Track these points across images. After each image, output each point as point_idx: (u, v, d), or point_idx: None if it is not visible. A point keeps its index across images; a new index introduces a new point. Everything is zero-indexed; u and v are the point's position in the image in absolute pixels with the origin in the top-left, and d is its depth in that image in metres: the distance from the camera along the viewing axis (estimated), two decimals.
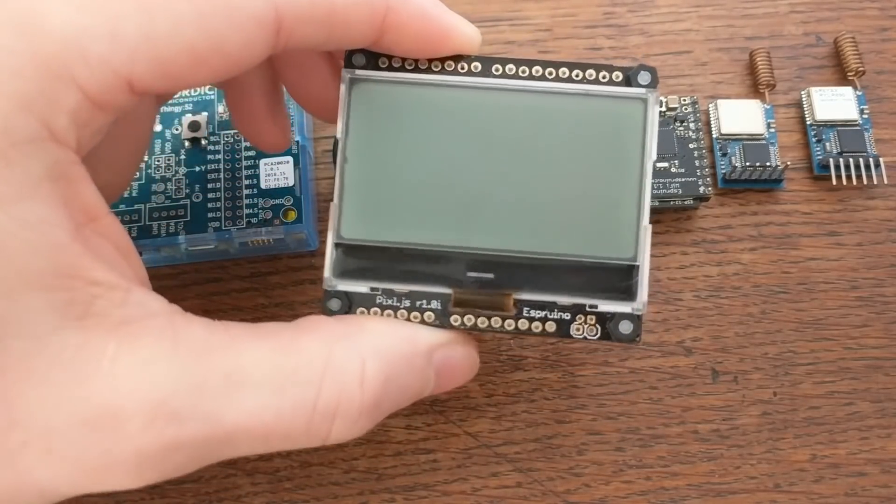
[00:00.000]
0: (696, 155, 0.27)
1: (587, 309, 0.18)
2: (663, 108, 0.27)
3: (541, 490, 0.24)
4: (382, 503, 0.24)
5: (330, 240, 0.18)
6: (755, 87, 0.28)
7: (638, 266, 0.18)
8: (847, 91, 0.28)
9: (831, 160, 0.27)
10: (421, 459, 0.24)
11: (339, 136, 0.18)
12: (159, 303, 0.15)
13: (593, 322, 0.18)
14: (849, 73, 0.28)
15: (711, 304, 0.26)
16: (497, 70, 0.19)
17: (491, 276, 0.18)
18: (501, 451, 0.24)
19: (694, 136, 0.27)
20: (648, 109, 0.18)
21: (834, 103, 0.27)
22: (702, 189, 0.26)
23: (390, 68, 0.19)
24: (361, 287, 0.18)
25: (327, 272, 0.18)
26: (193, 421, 0.14)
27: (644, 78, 0.19)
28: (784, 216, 0.27)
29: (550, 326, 0.18)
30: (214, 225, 0.24)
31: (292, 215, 0.24)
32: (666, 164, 0.26)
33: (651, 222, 0.18)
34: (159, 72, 0.14)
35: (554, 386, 0.25)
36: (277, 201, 0.24)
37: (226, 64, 0.15)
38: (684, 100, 0.27)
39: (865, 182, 0.27)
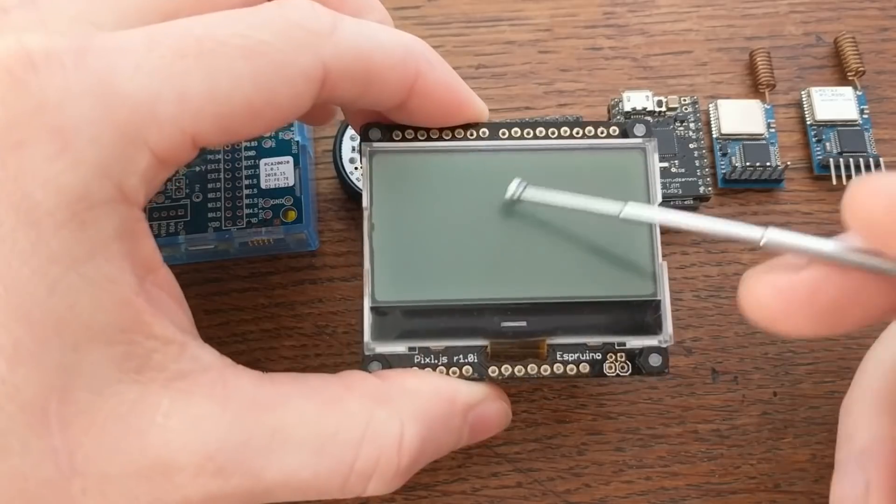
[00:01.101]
0: (696, 155, 0.27)
1: (616, 347, 0.19)
2: (663, 108, 0.27)
3: (541, 490, 0.24)
4: (382, 503, 0.24)
5: (366, 305, 0.19)
6: (755, 87, 0.28)
7: (660, 301, 0.19)
8: (847, 91, 0.28)
9: (831, 160, 0.27)
10: None
11: (364, 205, 0.19)
12: (211, 356, 0.16)
13: (623, 359, 0.19)
14: (849, 73, 0.28)
15: (711, 304, 0.26)
16: (503, 133, 0.20)
17: (524, 323, 0.19)
18: (501, 451, 0.24)
19: (694, 136, 0.27)
20: (648, 156, 0.20)
21: (834, 103, 0.27)
22: (702, 189, 0.26)
23: (404, 139, 0.20)
24: (399, 348, 0.19)
25: (367, 337, 0.19)
26: (237, 476, 0.15)
27: (640, 130, 0.20)
28: (784, 216, 0.27)
29: (584, 368, 0.19)
30: (214, 225, 0.24)
31: (292, 215, 0.24)
32: (666, 164, 0.26)
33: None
34: (220, 127, 0.15)
35: (554, 386, 0.25)
36: (277, 201, 0.24)
37: (276, 116, 0.16)
38: (684, 100, 0.27)
39: None
